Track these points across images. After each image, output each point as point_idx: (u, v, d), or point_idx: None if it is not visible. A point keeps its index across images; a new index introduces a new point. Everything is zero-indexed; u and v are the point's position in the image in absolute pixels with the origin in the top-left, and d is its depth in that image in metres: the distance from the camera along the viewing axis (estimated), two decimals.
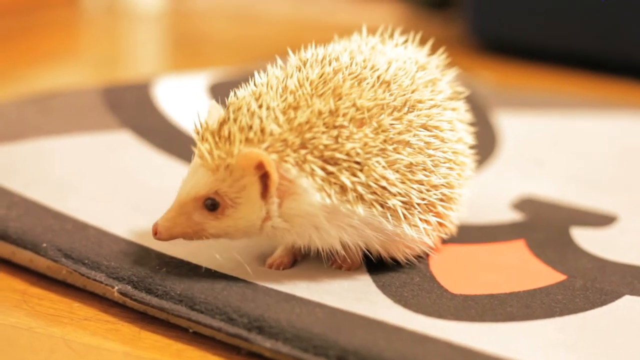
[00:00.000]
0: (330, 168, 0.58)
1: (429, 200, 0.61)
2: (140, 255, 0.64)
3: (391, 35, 0.69)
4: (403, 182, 0.59)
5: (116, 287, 0.61)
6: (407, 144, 0.60)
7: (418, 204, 0.60)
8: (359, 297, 0.60)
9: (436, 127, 0.62)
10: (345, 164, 0.58)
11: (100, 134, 0.85)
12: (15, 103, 0.92)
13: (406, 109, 0.61)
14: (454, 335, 0.56)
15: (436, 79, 0.66)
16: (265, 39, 1.59)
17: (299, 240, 0.61)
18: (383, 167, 0.59)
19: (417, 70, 0.65)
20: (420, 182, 0.60)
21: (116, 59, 1.51)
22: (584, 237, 0.72)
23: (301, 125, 0.58)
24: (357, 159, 0.58)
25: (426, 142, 0.61)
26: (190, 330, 0.59)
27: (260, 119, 0.58)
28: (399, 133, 0.60)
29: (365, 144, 0.58)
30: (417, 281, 0.62)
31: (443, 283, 0.62)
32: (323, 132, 0.58)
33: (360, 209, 0.58)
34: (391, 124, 0.60)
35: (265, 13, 1.87)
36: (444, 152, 0.62)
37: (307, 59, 0.63)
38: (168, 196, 0.73)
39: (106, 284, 0.61)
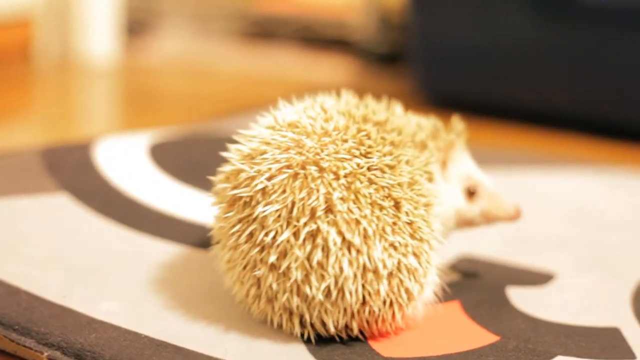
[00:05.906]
0: None
1: None
2: (71, 320, 0.63)
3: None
4: None
5: (45, 354, 0.60)
6: None
7: None
8: None
9: None
10: None
11: (38, 197, 0.84)
12: None
13: None
14: None
15: None
16: (218, 95, 1.59)
17: None
18: None
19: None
20: None
21: (68, 116, 1.51)
22: (519, 297, 0.72)
23: None
24: None
25: None
26: None
27: None
28: None
29: None
30: (348, 344, 0.62)
31: (374, 346, 0.62)
32: None
33: None
34: None
35: (218, 69, 1.88)
36: None
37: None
38: (104, 260, 0.73)
39: (36, 350, 0.61)
